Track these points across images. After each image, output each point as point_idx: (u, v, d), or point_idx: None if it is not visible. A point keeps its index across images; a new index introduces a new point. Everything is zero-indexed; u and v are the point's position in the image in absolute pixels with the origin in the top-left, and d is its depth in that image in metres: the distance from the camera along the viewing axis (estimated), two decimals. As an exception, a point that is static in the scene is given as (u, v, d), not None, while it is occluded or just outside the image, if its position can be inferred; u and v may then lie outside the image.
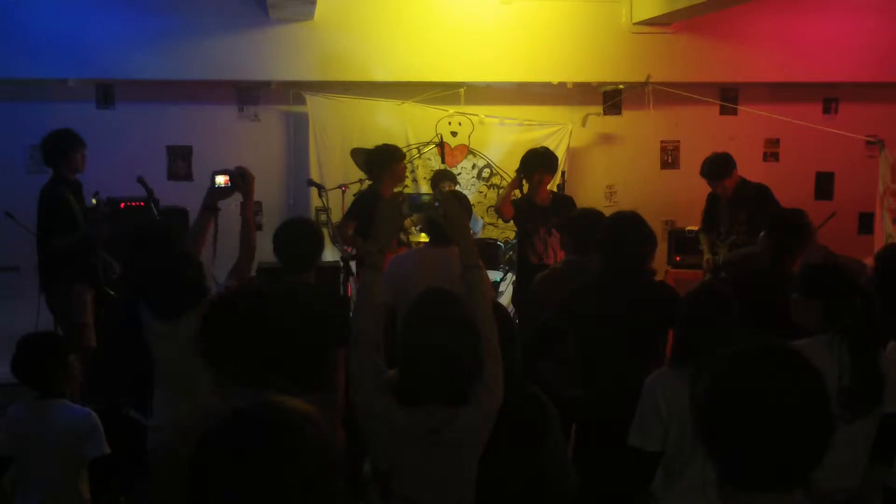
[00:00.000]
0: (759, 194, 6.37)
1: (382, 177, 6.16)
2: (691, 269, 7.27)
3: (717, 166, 6.44)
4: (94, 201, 5.99)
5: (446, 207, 2.89)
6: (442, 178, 7.19)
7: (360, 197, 6.38)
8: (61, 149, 5.90)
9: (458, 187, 7.41)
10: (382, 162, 6.21)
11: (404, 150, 7.75)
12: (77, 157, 5.93)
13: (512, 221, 6.33)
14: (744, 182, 6.47)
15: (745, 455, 1.65)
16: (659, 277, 6.75)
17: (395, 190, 6.45)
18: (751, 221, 6.12)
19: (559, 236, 6.02)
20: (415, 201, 6.72)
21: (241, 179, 3.82)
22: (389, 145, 6.47)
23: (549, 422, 3.01)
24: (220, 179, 3.81)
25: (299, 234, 4.01)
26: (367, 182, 6.69)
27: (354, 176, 6.95)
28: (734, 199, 6.42)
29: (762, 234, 4.44)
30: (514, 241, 6.65)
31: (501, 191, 7.66)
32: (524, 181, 6.17)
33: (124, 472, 4.09)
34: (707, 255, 6.66)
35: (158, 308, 3.55)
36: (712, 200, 6.70)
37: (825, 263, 3.44)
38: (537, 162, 6.08)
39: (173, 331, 3.50)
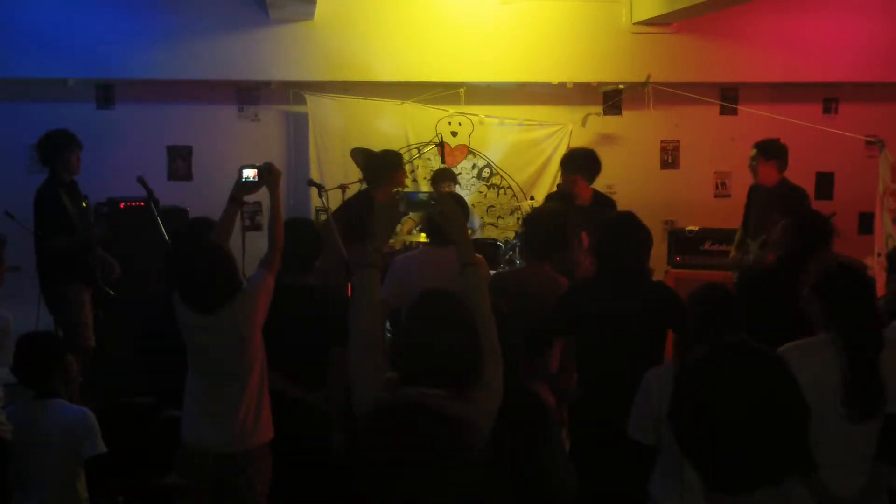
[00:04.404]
0: (794, 194, 6.06)
1: (381, 183, 6.00)
2: (691, 270, 7.25)
3: (777, 146, 6.17)
4: (83, 205, 5.99)
5: (443, 205, 2.89)
6: (442, 178, 7.13)
7: (354, 200, 6.12)
8: (59, 149, 5.90)
9: (457, 187, 7.36)
10: (384, 168, 6.05)
11: (404, 150, 7.77)
12: (73, 158, 5.93)
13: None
14: (783, 181, 6.18)
15: (713, 459, 1.63)
16: (659, 277, 6.74)
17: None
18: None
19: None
20: (411, 199, 6.68)
21: (268, 174, 3.89)
22: (390, 151, 6.36)
23: (549, 422, 3.00)
24: (248, 173, 3.89)
25: (299, 235, 4.03)
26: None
27: (354, 176, 6.92)
28: (770, 195, 6.12)
29: (784, 230, 4.44)
30: (515, 241, 6.62)
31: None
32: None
33: (124, 470, 4.09)
34: (732, 252, 6.44)
35: (195, 301, 3.57)
36: (751, 193, 6.41)
37: (838, 263, 3.43)
38: (574, 165, 5.98)
39: (211, 323, 3.54)
